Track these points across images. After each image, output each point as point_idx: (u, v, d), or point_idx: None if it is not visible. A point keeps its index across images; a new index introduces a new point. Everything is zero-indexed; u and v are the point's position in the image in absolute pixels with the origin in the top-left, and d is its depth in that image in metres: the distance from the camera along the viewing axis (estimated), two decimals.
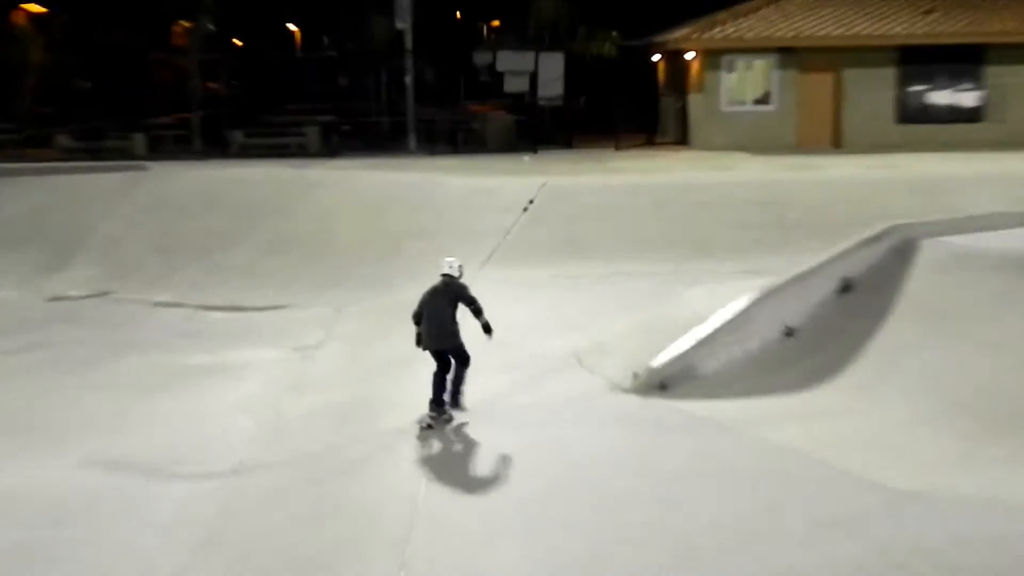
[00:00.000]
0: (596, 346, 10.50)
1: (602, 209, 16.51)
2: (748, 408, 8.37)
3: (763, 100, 22.54)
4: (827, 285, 9.76)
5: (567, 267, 14.92)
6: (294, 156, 22.88)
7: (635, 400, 8.72)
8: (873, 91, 21.96)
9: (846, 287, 9.81)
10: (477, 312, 8.56)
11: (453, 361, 8.52)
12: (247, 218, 17.52)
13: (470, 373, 8.62)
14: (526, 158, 22.28)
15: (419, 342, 8.60)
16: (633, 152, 22.78)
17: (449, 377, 8.46)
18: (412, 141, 23.91)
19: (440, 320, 8.45)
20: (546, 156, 22.43)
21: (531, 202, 16.87)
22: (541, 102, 24.53)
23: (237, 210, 17.82)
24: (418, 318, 8.61)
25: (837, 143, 22.22)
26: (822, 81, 22.16)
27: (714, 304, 9.68)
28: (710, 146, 22.18)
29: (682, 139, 23.80)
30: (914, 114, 22.09)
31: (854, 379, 8.55)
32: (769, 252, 15.01)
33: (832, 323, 9.44)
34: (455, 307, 8.53)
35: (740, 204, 16.35)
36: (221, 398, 10.25)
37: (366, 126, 25.32)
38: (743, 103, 22.54)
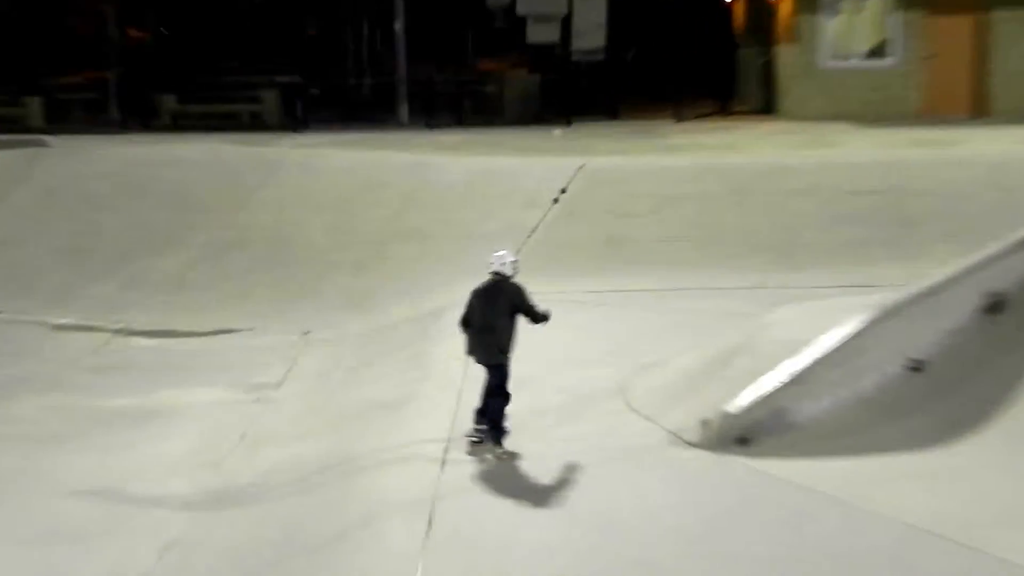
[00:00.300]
0: (652, 384, 10.46)
1: (659, 201, 16.52)
2: (861, 470, 8.28)
3: (878, 52, 22.54)
4: (967, 304, 9.65)
5: (612, 278, 14.94)
6: (246, 129, 23.04)
7: (705, 458, 8.64)
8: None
9: (994, 306, 9.69)
10: (537, 320, 9.27)
11: (489, 382, 9.06)
12: (181, 212, 17.65)
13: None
14: (557, 132, 22.34)
15: (469, 350, 9.21)
16: (700, 124, 22.82)
17: (480, 407, 9.15)
18: (403, 110, 24.05)
19: (483, 328, 9.06)
20: (583, 129, 22.50)
21: (563, 191, 16.91)
22: (576, 57, 24.65)
23: (168, 202, 17.96)
24: (466, 323, 9.18)
25: (980, 109, 22.19)
26: (960, 26, 22.15)
27: (812, 329, 9.59)
28: (805, 115, 22.21)
29: (766, 106, 23.83)
30: None
31: (1008, 430, 8.46)
32: (886, 258, 14.96)
33: (974, 354, 9.32)
34: (509, 314, 9.07)
35: (845, 194, 16.34)
36: (146, 454, 10.27)
37: (342, 90, 25.47)
38: (850, 57, 22.56)
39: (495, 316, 9.03)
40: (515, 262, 9.34)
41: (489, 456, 8.91)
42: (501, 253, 9.34)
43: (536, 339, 12.28)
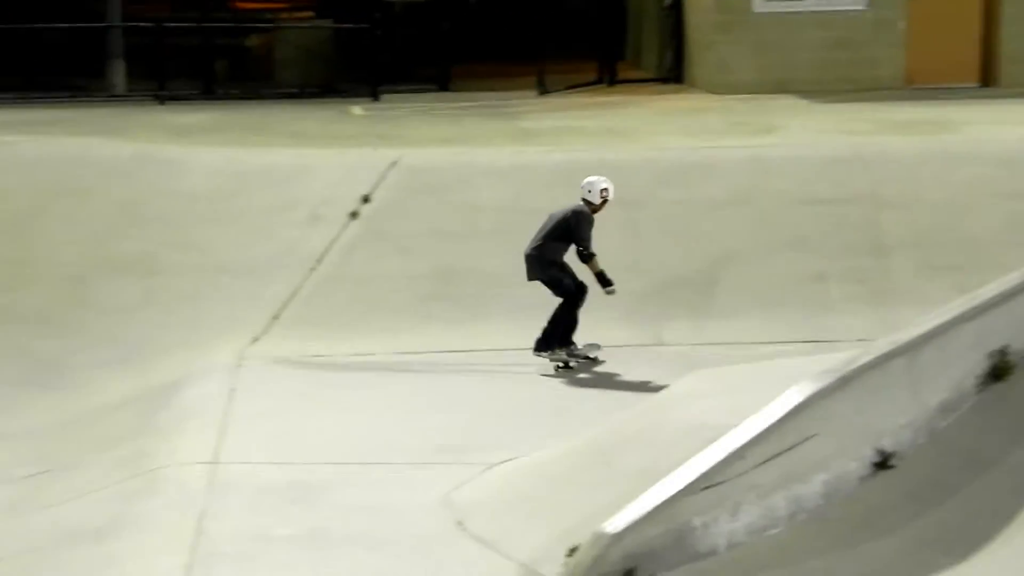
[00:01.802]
0: (497, 493, 10.58)
1: (511, 216, 16.68)
2: None
3: None
4: (961, 368, 10.04)
5: (441, 333, 15.07)
6: None
7: None
8: None
9: (998, 370, 10.10)
10: (585, 258, 13.97)
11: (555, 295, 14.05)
12: None
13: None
14: (357, 109, 22.40)
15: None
16: (574, 98, 23.15)
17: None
18: (118, 73, 23.78)
19: (531, 246, 14.16)
20: (399, 106, 22.60)
21: (366, 200, 16.97)
22: None
23: None
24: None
25: (987, 76, 23.09)
26: None
27: (733, 408, 9.82)
28: (730, 85, 22.69)
29: (673, 72, 24.29)
30: None
31: (1019, 556, 8.81)
32: (846, 301, 15.40)
33: (970, 444, 9.70)
34: (562, 239, 14.04)
35: (790, 205, 16.79)
36: None
37: (16, 40, 25.00)
38: None
39: (544, 231, 14.04)
40: (605, 190, 14.03)
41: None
42: (594, 179, 14.12)
43: (326, 427, 12.37)
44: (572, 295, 14.02)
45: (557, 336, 14.07)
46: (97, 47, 24.14)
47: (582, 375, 13.78)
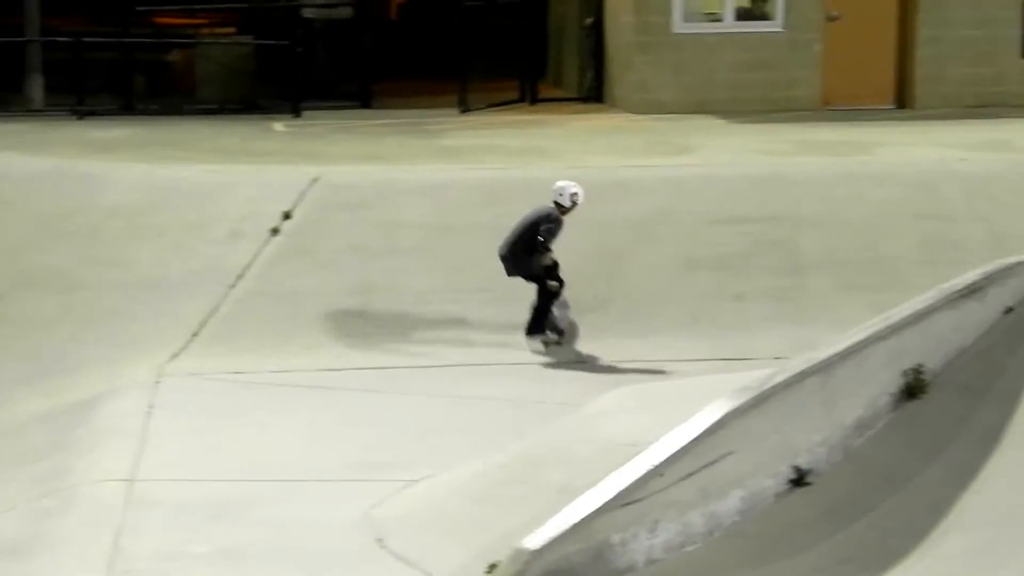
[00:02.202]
0: (418, 511, 10.58)
1: (433, 233, 16.73)
2: None
3: (756, 12, 23.42)
4: (876, 386, 10.15)
5: (362, 350, 15.03)
6: None
7: None
8: None
9: (912, 388, 10.22)
10: (542, 250, 14.74)
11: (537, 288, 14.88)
12: None
13: None
14: (279, 126, 22.34)
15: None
16: (496, 116, 23.19)
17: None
18: (35, 87, 23.61)
19: (505, 245, 14.91)
20: (321, 122, 22.55)
21: (288, 217, 16.95)
22: (309, 15, 24.73)
23: None
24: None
25: (903, 98, 23.28)
26: None
27: (651, 425, 9.88)
28: (650, 104, 22.74)
29: (594, 91, 24.38)
30: None
31: (944, 570, 8.89)
32: (764, 320, 15.49)
33: (885, 462, 9.80)
34: (533, 238, 14.77)
35: (707, 225, 16.90)
36: None
37: None
38: (716, 18, 23.30)
39: (517, 237, 14.83)
40: (575, 195, 14.89)
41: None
42: (564, 184, 14.96)
43: (244, 445, 12.31)
44: (547, 290, 14.89)
45: (540, 321, 14.98)
46: (15, 62, 23.93)
47: (504, 392, 13.73)
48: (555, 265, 14.90)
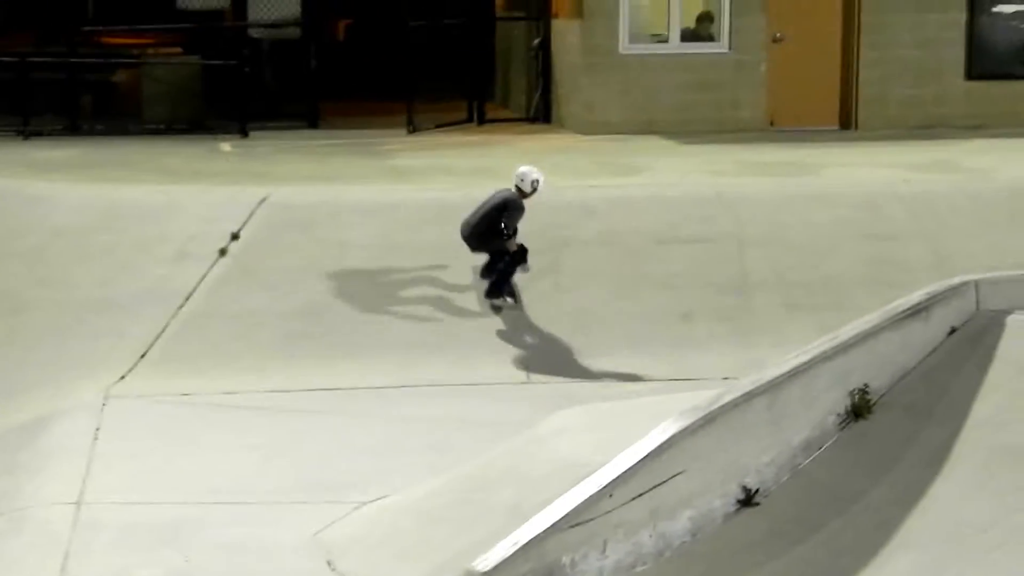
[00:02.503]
0: (367, 533, 10.55)
1: (381, 252, 16.73)
2: None
3: (702, 33, 23.51)
4: (823, 405, 10.18)
5: (309, 371, 15.00)
6: None
7: None
8: (920, 13, 23.09)
9: (858, 408, 10.26)
10: (505, 237, 15.37)
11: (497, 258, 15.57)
12: None
13: None
14: (226, 146, 22.30)
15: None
16: (444, 137, 23.22)
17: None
18: None
19: (469, 226, 15.54)
20: (268, 142, 22.53)
21: (235, 237, 16.91)
22: (256, 34, 24.68)
23: None
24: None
25: (847, 119, 23.44)
26: None
27: (602, 444, 9.89)
28: (597, 125, 22.84)
29: (541, 111, 24.45)
30: (1000, 60, 23.41)
31: None
32: (710, 339, 15.56)
33: (831, 481, 9.85)
34: (495, 221, 15.39)
35: (653, 245, 16.97)
36: None
37: None
38: (662, 39, 23.41)
39: (480, 219, 15.43)
40: (536, 181, 15.52)
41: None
42: (525, 169, 15.63)
43: (193, 465, 12.26)
44: (513, 255, 15.52)
45: (501, 285, 15.57)
46: None
47: (454, 413, 13.74)
48: (521, 248, 15.52)
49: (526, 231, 15.64)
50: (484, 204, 15.55)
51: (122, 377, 14.82)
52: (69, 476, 11.90)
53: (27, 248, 16.93)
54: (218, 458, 12.59)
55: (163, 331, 15.62)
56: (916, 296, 10.81)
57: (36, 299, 16.16)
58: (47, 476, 12.07)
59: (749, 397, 9.92)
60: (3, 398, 14.56)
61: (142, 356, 15.26)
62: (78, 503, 11.28)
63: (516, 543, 8.97)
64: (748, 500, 9.72)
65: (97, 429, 13.25)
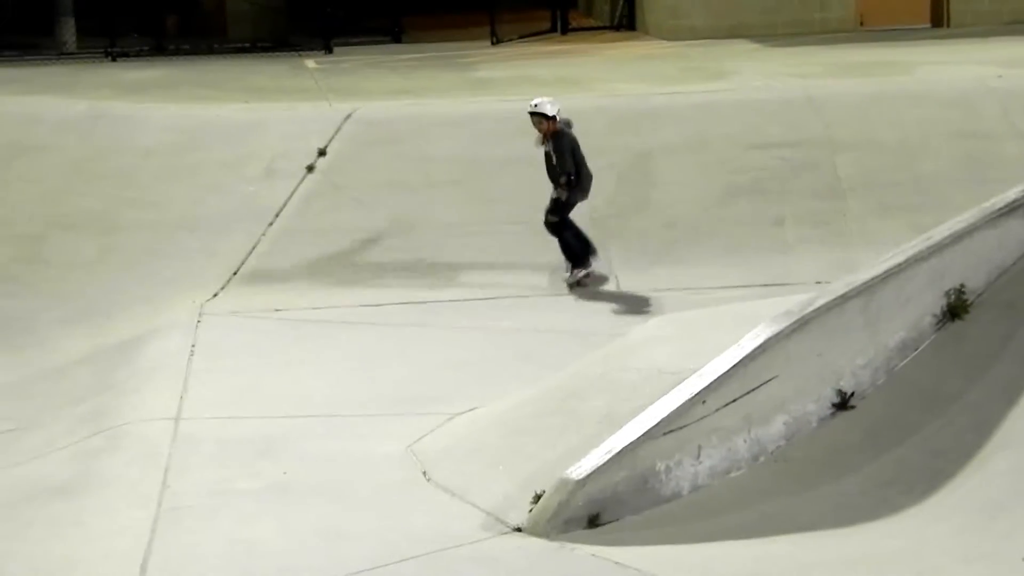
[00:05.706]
0: (460, 443, 10.62)
1: (467, 166, 16.75)
2: (764, 561, 8.56)
3: None
4: (918, 307, 10.15)
5: (399, 285, 15.09)
6: None
7: (538, 549, 8.82)
8: None
9: (954, 308, 10.22)
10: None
11: None
12: None
13: None
14: (311, 63, 22.34)
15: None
16: (527, 48, 23.14)
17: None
18: (67, 29, 23.64)
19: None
20: (353, 58, 22.55)
21: (322, 154, 16.99)
22: None
23: None
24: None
25: (938, 16, 23.32)
26: None
27: (693, 352, 9.92)
28: (682, 31, 22.80)
29: (625, 19, 24.31)
30: None
31: (972, 497, 8.88)
32: (802, 244, 15.50)
33: (928, 383, 9.80)
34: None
35: (742, 150, 16.89)
36: None
37: None
38: None
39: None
40: (551, 102, 14.76)
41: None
42: (541, 99, 14.84)
43: (288, 380, 12.38)
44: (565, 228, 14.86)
45: (575, 257, 14.88)
46: (46, 5, 23.98)
47: (543, 323, 13.77)
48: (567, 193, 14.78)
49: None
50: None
51: (215, 295, 14.98)
52: (166, 393, 12.04)
53: (117, 169, 17.09)
54: (311, 372, 12.70)
55: (254, 248, 15.75)
56: (1012, 193, 10.72)
57: (128, 220, 16.33)
58: (145, 393, 12.22)
59: (843, 300, 9.92)
60: (99, 317, 14.75)
61: (234, 273, 15.42)
62: (176, 419, 11.42)
63: (610, 451, 9.04)
64: (843, 404, 9.73)
65: (192, 346, 13.38)
